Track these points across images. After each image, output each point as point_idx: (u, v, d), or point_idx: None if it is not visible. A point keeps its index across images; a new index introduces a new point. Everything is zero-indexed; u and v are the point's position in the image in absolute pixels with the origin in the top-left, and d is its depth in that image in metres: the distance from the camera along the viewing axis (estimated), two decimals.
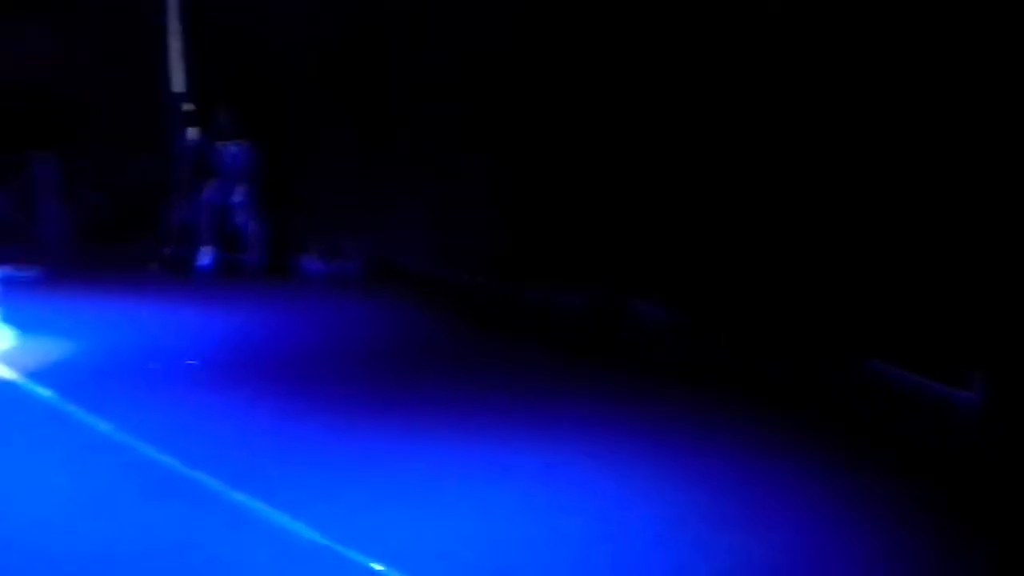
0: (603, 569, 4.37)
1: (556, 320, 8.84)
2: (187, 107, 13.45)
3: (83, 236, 12.67)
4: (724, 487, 5.22)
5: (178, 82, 13.64)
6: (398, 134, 11.13)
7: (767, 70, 7.46)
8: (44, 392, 6.86)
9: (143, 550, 4.54)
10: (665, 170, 8.41)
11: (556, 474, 5.38)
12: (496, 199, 10.02)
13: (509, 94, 9.69)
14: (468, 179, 10.28)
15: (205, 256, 11.91)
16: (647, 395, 6.80)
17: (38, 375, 7.20)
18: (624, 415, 6.32)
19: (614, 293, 8.75)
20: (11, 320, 8.90)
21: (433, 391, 6.98)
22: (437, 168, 10.59)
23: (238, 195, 12.11)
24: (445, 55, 10.26)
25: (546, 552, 4.49)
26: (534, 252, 9.50)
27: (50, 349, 8.01)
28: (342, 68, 11.55)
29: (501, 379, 7.22)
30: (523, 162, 9.80)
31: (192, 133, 13.27)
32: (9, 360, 7.66)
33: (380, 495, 5.15)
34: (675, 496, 5.09)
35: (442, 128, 10.54)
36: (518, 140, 9.73)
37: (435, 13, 10.40)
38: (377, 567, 4.30)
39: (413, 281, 10.66)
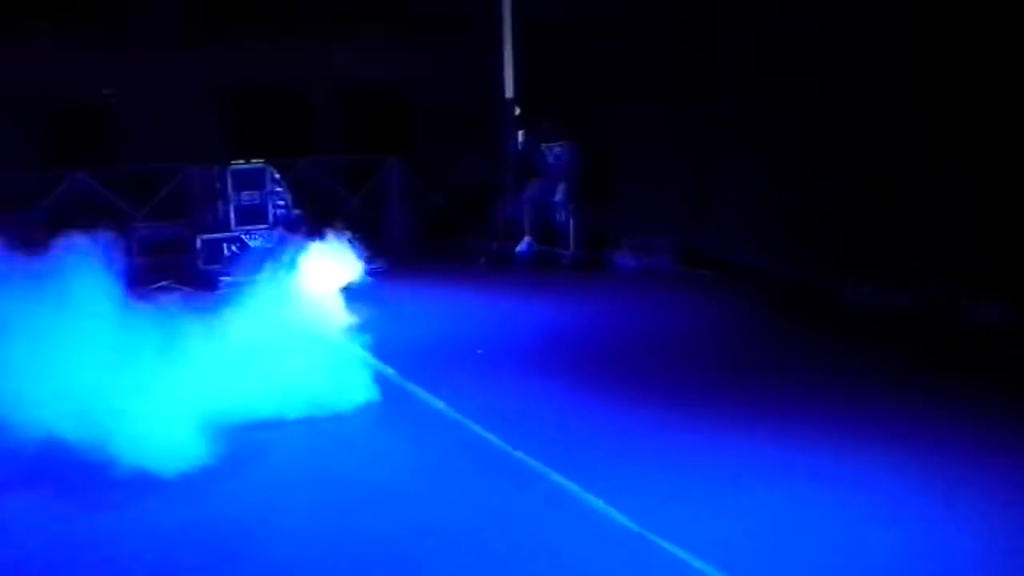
0: None
1: (880, 320, 8.45)
2: (516, 111, 14.29)
3: (423, 232, 13.89)
4: None
5: (508, 88, 14.53)
6: (720, 133, 11.14)
7: None
8: (388, 370, 7.65)
9: (469, 522, 4.92)
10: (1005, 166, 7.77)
11: (869, 484, 5.15)
12: (822, 192, 9.74)
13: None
14: (792, 172, 10.09)
15: (523, 245, 12.61)
16: (977, 405, 6.31)
17: (382, 355, 8.02)
18: (951, 427, 5.91)
19: (947, 293, 8.19)
20: (362, 306, 9.98)
21: (747, 387, 6.92)
22: (760, 163, 10.49)
23: (559, 193, 12.68)
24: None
25: (853, 561, 4.36)
26: (861, 247, 9.12)
27: (393, 332, 8.89)
28: (662, 71, 11.74)
29: (818, 380, 7.01)
30: (848, 155, 9.45)
31: (519, 136, 14.11)
32: (359, 340, 8.62)
33: (689, 487, 5.23)
34: (1000, 520, 4.72)
35: (767, 125, 10.43)
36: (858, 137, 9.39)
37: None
38: (683, 556, 4.41)
39: (728, 276, 10.62)
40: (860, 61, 9.18)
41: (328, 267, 7.55)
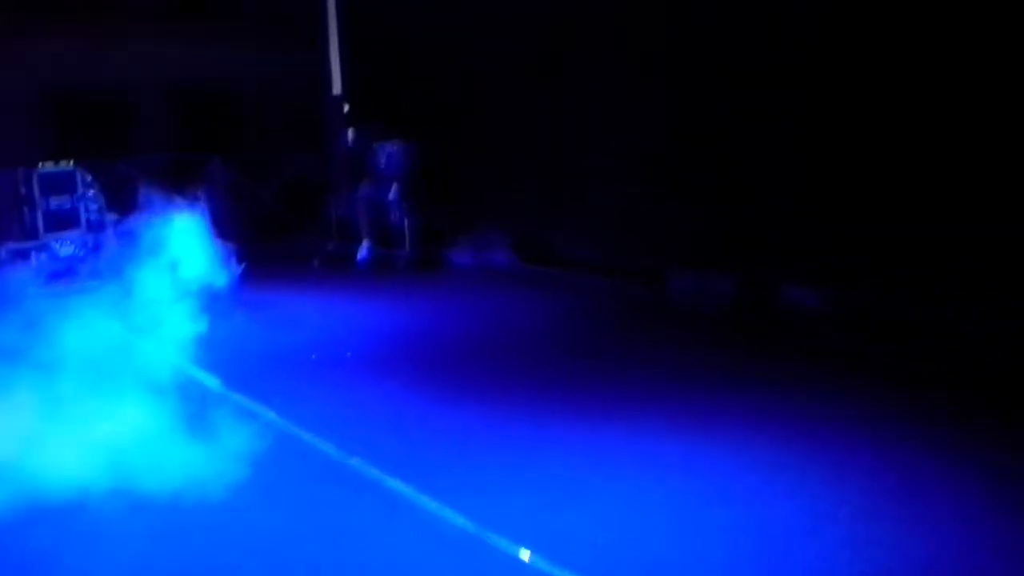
0: (749, 560, 4.28)
1: (711, 310, 8.74)
2: (345, 109, 14.00)
3: (252, 233, 13.37)
4: (875, 480, 5.01)
5: (336, 85, 14.22)
6: (555, 127, 11.25)
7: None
8: (211, 381, 7.29)
9: (300, 532, 4.75)
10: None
11: (702, 465, 5.29)
12: (647, 184, 9.98)
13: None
14: (625, 165, 10.29)
15: (362, 251, 12.35)
16: (797, 385, 6.60)
17: (206, 364, 7.64)
18: (773, 406, 6.15)
19: (764, 278, 8.55)
20: (188, 312, 9.50)
21: (581, 380, 6.99)
22: (599, 157, 10.65)
23: (392, 193, 12.49)
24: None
25: (690, 542, 4.43)
26: (689, 237, 9.40)
27: (217, 339, 8.49)
28: (498, 65, 11.75)
29: (649, 369, 7.17)
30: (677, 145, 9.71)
31: (350, 134, 13.81)
32: (180, 349, 8.19)
33: (526, 483, 5.21)
34: (824, 489, 4.93)
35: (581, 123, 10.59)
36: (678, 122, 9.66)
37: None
38: (523, 554, 4.37)
39: (564, 271, 10.75)
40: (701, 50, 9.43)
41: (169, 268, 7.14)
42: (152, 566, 4.51)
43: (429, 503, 4.95)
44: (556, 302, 9.78)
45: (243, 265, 8.02)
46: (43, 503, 5.09)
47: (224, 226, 11.93)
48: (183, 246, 7.25)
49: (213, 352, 7.88)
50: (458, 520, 4.73)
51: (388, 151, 12.72)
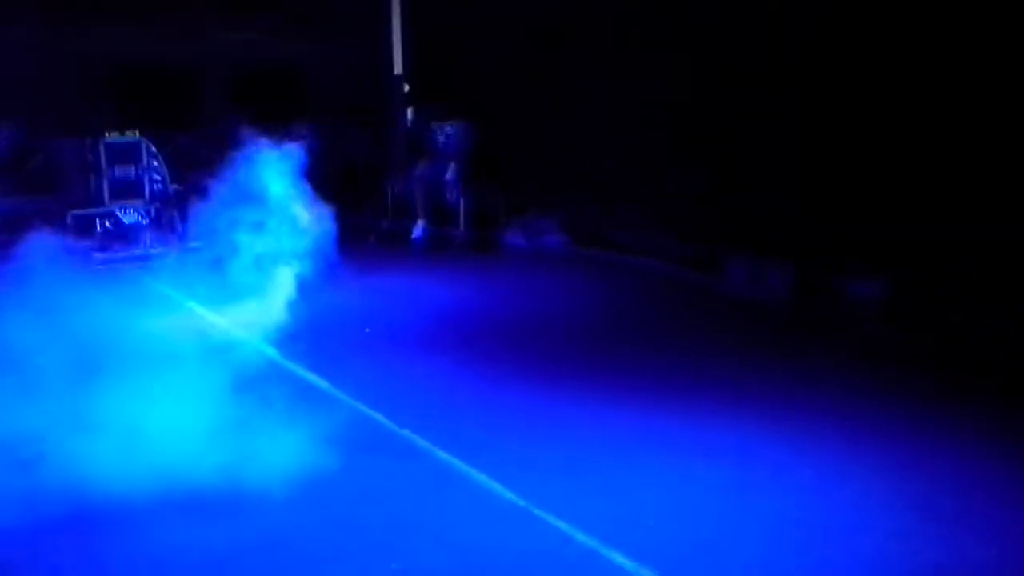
0: (796, 551, 4.26)
1: (760, 298, 8.68)
2: (405, 89, 14.07)
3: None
4: (933, 477, 4.95)
5: (397, 65, 14.29)
6: (603, 115, 11.21)
7: None
8: (269, 351, 7.43)
9: (352, 500, 4.84)
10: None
11: (753, 454, 5.27)
12: (700, 181, 9.92)
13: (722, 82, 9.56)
14: (676, 152, 10.24)
15: (418, 230, 12.44)
16: (850, 377, 6.52)
17: (265, 335, 7.78)
18: (828, 399, 6.09)
19: (822, 268, 8.46)
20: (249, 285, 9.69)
21: (632, 364, 6.99)
22: (647, 142, 10.61)
23: (450, 173, 12.55)
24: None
25: (737, 531, 4.42)
26: (740, 229, 9.33)
27: (276, 312, 8.63)
28: (550, 53, 11.73)
29: (702, 355, 7.15)
30: (728, 134, 9.63)
31: (409, 114, 13.90)
32: (238, 321, 8.35)
33: (575, 461, 5.24)
34: (877, 484, 4.87)
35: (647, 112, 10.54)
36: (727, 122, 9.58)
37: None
38: (568, 530, 4.40)
39: (617, 255, 10.74)
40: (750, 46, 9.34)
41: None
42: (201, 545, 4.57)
43: (478, 476, 5.01)
44: (610, 286, 9.76)
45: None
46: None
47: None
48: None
49: (268, 324, 8.05)
50: (506, 494, 4.79)
51: (446, 131, 12.78)
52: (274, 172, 7.66)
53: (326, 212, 7.74)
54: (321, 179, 11.68)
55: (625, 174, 10.81)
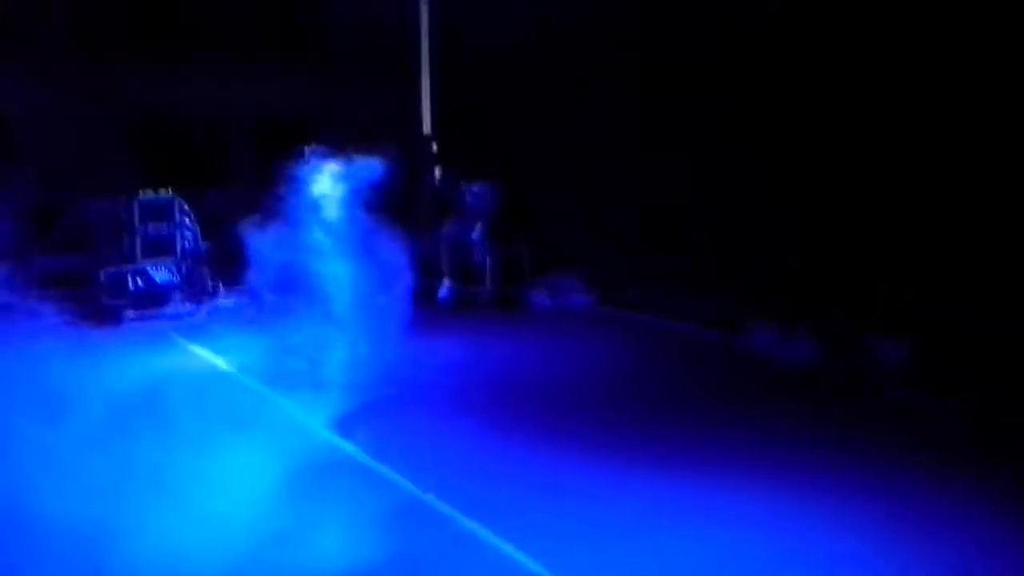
0: None
1: (784, 362, 8.63)
2: (433, 148, 14.26)
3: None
4: (965, 541, 4.87)
5: (426, 124, 14.51)
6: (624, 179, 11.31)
7: None
8: (290, 406, 7.49)
9: (375, 567, 4.82)
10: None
11: (784, 526, 5.21)
12: (725, 241, 9.95)
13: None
14: (696, 224, 10.29)
15: (444, 289, 12.51)
16: (884, 445, 6.45)
17: (286, 392, 7.85)
18: (858, 466, 6.02)
19: (848, 332, 8.40)
20: (263, 340, 9.81)
21: (658, 428, 6.96)
22: (663, 211, 10.67)
23: (476, 232, 12.65)
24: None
25: None
26: (766, 288, 9.32)
27: (299, 370, 8.70)
28: (576, 112, 11.87)
29: (728, 421, 7.10)
30: (755, 199, 9.66)
31: (437, 172, 14.06)
32: (259, 376, 8.43)
33: (599, 529, 5.21)
34: (916, 555, 4.79)
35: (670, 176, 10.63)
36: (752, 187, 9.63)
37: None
38: None
39: (640, 316, 10.74)
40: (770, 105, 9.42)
41: None
42: None
43: (498, 542, 4.99)
44: (634, 347, 9.74)
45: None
46: None
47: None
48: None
49: (292, 380, 8.12)
50: (529, 563, 4.76)
51: (473, 190, 12.91)
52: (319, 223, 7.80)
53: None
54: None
55: (649, 234, 10.86)
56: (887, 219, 8.33)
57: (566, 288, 11.79)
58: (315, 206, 8.07)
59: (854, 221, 8.61)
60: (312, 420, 7.25)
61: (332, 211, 8.09)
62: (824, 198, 8.86)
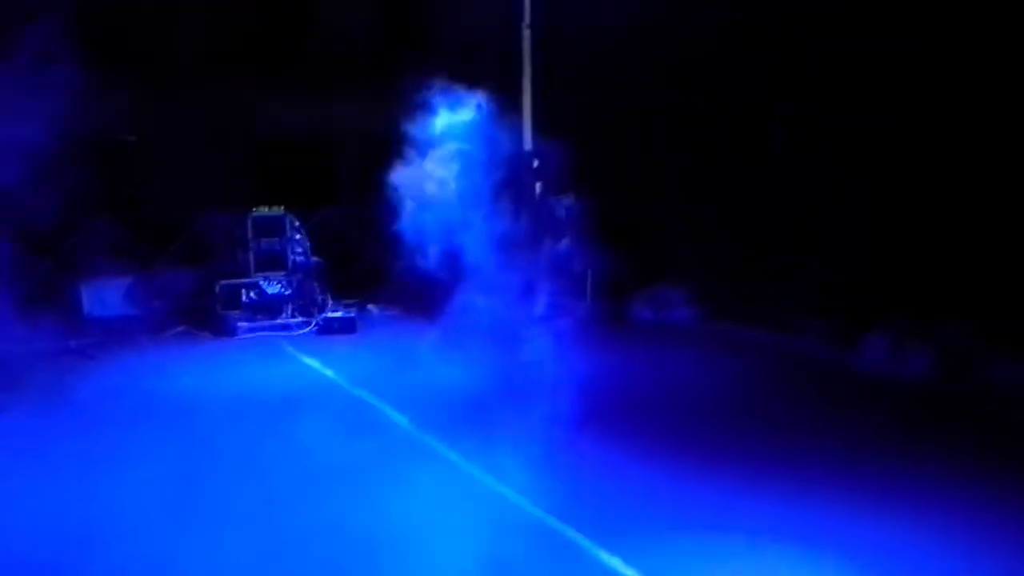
0: None
1: (897, 380, 8.40)
2: (535, 163, 14.37)
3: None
4: None
5: (527, 140, 14.64)
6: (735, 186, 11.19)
7: None
8: (401, 420, 7.66)
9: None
10: None
11: (886, 548, 5.08)
12: (836, 254, 9.76)
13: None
14: (805, 237, 10.11)
15: (543, 303, 12.58)
16: (990, 471, 6.23)
17: (398, 404, 8.03)
18: (976, 492, 5.82)
19: (966, 348, 8.13)
20: (371, 352, 10.06)
21: (763, 446, 6.87)
22: (782, 217, 10.52)
23: (576, 245, 12.70)
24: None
25: None
26: (879, 303, 9.10)
27: (406, 382, 8.90)
28: (678, 128, 11.83)
29: (836, 442, 6.95)
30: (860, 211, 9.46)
31: (537, 188, 14.17)
32: (372, 389, 8.64)
33: (706, 546, 5.18)
34: None
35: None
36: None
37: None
38: None
39: (748, 331, 10.60)
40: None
41: None
42: None
43: (608, 557, 5.01)
44: (738, 363, 9.62)
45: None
46: None
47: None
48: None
49: (395, 391, 8.31)
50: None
51: (572, 205, 12.96)
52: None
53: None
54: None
55: (756, 248, 10.73)
56: (1014, 235, 8.06)
57: (669, 301, 11.73)
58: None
59: (976, 236, 8.35)
60: (419, 431, 7.40)
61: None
62: (942, 212, 8.63)
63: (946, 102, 8.47)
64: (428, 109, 9.08)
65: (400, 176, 8.47)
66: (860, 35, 9.26)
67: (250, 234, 12.23)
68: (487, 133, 8.60)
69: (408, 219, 8.41)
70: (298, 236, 12.40)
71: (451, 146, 8.34)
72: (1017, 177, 7.98)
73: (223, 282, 12.01)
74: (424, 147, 8.94)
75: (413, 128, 9.45)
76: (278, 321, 11.91)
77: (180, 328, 11.82)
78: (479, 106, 8.61)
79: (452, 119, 8.26)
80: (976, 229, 8.34)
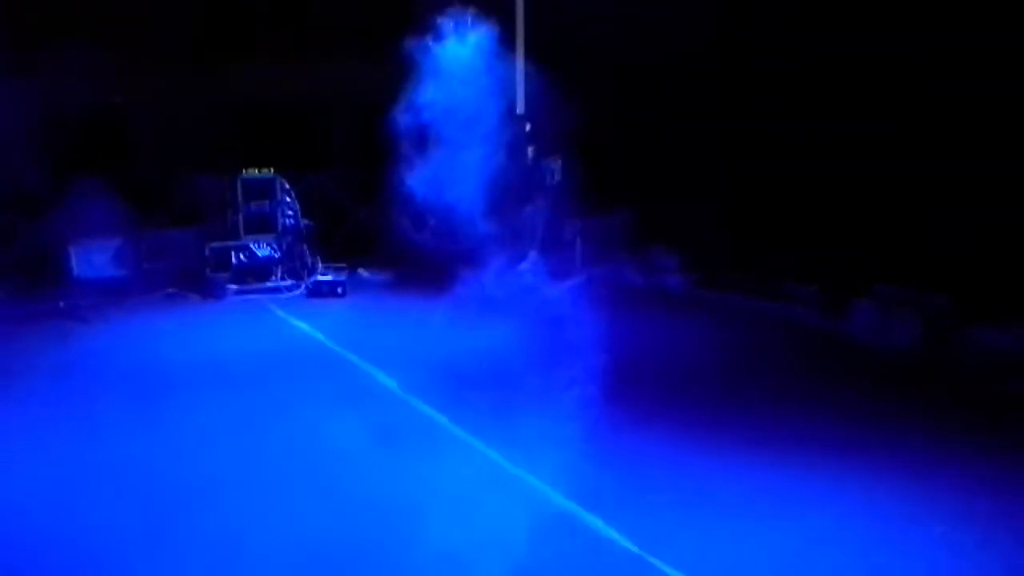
0: None
1: (887, 346, 8.44)
2: (527, 127, 14.29)
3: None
4: None
5: (520, 103, 14.54)
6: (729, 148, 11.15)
7: None
8: (390, 383, 7.68)
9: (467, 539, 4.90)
10: None
11: (877, 511, 5.15)
12: (831, 214, 9.77)
13: None
14: (805, 191, 10.10)
15: (530, 265, 12.56)
16: (978, 433, 6.28)
17: (386, 367, 8.03)
18: (959, 460, 5.88)
19: (952, 316, 8.16)
20: (360, 315, 10.05)
21: (753, 414, 6.90)
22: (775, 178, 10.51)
23: (564, 209, 12.65)
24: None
25: None
26: (869, 272, 9.13)
27: (392, 344, 8.90)
28: (671, 90, 11.76)
29: (824, 411, 6.98)
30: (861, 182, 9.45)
31: (529, 152, 14.10)
32: (360, 351, 8.64)
33: (697, 512, 5.23)
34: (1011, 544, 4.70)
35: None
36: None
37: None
38: None
39: (740, 299, 10.61)
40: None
41: None
42: None
43: (596, 522, 5.05)
44: (729, 330, 9.62)
45: None
46: None
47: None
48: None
49: (380, 356, 8.30)
50: (624, 542, 4.82)
51: (562, 168, 12.91)
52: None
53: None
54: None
55: (747, 213, 10.73)
56: (1000, 204, 8.07)
57: (661, 268, 11.72)
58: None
59: (963, 205, 8.35)
60: (409, 395, 7.40)
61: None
62: (932, 182, 8.62)
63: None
64: (420, 68, 8.92)
65: (394, 139, 8.36)
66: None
67: (240, 197, 12.15)
68: (480, 88, 8.46)
69: (401, 182, 8.33)
70: (288, 199, 12.34)
71: (444, 101, 8.23)
72: (1000, 152, 7.97)
73: (213, 244, 11.96)
74: (417, 108, 8.81)
75: (406, 90, 9.43)
76: (268, 284, 11.88)
77: (170, 290, 11.79)
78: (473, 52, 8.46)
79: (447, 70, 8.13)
80: (962, 200, 8.34)
